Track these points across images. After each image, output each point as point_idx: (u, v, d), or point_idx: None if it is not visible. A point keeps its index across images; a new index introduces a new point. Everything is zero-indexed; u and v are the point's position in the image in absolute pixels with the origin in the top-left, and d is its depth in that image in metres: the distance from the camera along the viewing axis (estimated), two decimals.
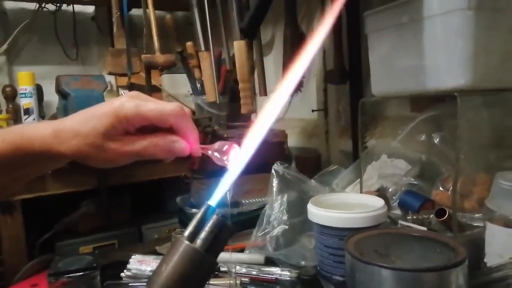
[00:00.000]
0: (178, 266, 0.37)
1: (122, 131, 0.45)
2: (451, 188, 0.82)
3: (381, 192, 0.93)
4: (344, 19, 1.22)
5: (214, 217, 0.39)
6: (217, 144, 0.46)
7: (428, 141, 0.92)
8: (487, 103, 0.83)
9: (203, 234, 0.38)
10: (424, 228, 0.72)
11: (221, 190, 0.42)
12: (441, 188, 0.87)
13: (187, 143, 0.47)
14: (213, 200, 0.41)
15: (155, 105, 0.45)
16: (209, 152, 0.46)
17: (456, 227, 0.70)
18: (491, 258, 0.63)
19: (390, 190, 0.95)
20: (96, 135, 0.44)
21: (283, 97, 0.43)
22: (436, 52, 0.78)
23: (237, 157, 0.44)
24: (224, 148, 0.45)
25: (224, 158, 0.45)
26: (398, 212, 0.87)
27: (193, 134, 0.47)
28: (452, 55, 0.75)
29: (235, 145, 0.45)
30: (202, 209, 0.40)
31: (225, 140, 0.49)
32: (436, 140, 0.90)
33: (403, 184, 0.94)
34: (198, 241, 0.38)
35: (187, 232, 0.39)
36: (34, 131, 0.46)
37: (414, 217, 0.77)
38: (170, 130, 0.47)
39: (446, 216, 0.71)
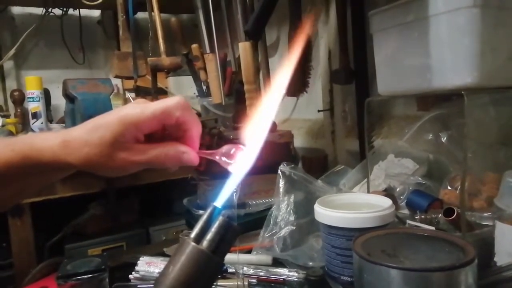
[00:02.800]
0: (184, 267, 0.38)
1: (131, 139, 0.45)
2: (459, 187, 0.81)
3: (388, 192, 0.93)
4: (349, 19, 1.21)
5: (220, 218, 0.39)
6: (224, 148, 0.46)
7: (435, 140, 0.92)
8: (494, 101, 0.83)
9: (209, 235, 0.38)
10: (433, 228, 0.71)
11: (226, 191, 0.42)
12: (449, 187, 0.86)
13: (192, 141, 0.47)
14: (219, 202, 0.41)
15: (158, 103, 0.46)
16: (217, 157, 0.46)
17: (464, 226, 0.70)
18: (501, 257, 0.63)
19: (397, 189, 0.95)
20: (104, 144, 0.44)
21: (277, 97, 0.43)
22: (442, 51, 0.77)
23: (243, 158, 0.44)
24: (232, 151, 0.45)
25: (232, 161, 0.45)
26: (406, 212, 0.86)
27: (198, 127, 0.48)
28: (458, 54, 0.75)
29: (242, 146, 0.45)
30: (208, 211, 0.40)
31: (231, 141, 0.49)
32: (444, 139, 0.89)
33: (410, 183, 0.93)
34: (205, 242, 0.38)
35: (193, 234, 0.39)
36: (43, 141, 0.46)
37: (422, 216, 0.77)
38: (178, 138, 0.47)
39: (455, 215, 0.70)
